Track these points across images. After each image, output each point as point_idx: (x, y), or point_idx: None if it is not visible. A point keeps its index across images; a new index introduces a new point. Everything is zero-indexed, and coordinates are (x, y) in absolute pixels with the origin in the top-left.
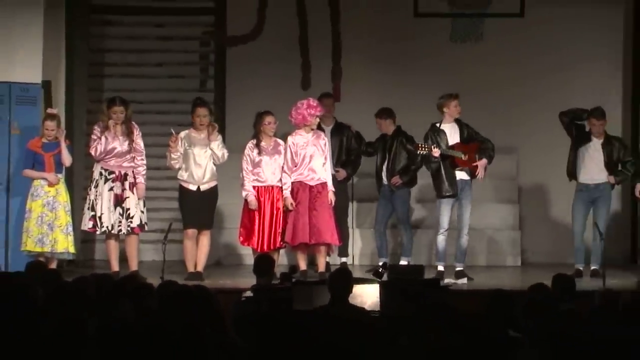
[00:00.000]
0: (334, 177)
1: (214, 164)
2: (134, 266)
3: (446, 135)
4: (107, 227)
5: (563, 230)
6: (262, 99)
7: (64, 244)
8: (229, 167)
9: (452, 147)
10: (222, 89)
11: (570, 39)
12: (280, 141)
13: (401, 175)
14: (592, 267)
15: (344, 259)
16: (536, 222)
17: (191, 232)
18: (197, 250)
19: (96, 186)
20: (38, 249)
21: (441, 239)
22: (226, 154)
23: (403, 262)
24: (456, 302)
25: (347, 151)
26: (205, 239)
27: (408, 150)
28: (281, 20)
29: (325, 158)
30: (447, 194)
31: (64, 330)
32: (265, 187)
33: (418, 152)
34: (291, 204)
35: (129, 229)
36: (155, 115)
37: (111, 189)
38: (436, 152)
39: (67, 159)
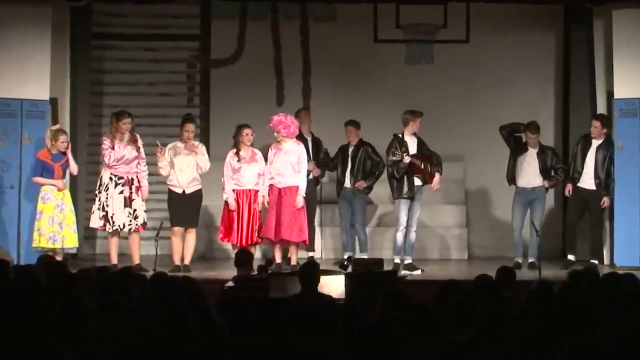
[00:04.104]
0: (309, 180)
1: (197, 172)
2: (137, 260)
3: (408, 146)
4: (118, 225)
5: (504, 228)
6: (241, 114)
7: (73, 240)
8: (212, 173)
9: (413, 156)
10: (207, 105)
11: (509, 61)
12: (257, 150)
13: (366, 179)
14: (530, 260)
15: (311, 253)
16: (480, 220)
17: (177, 229)
18: (184, 246)
19: (106, 189)
20: (50, 246)
21: (399, 236)
22: (209, 166)
23: (363, 257)
24: (411, 290)
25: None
26: (191, 236)
27: (372, 158)
28: (258, 45)
29: (300, 165)
30: (406, 195)
31: (69, 310)
32: (243, 190)
33: (392, 158)
34: (267, 202)
35: (135, 227)
36: (148, 127)
37: (121, 192)
38: (407, 159)
39: (74, 168)
